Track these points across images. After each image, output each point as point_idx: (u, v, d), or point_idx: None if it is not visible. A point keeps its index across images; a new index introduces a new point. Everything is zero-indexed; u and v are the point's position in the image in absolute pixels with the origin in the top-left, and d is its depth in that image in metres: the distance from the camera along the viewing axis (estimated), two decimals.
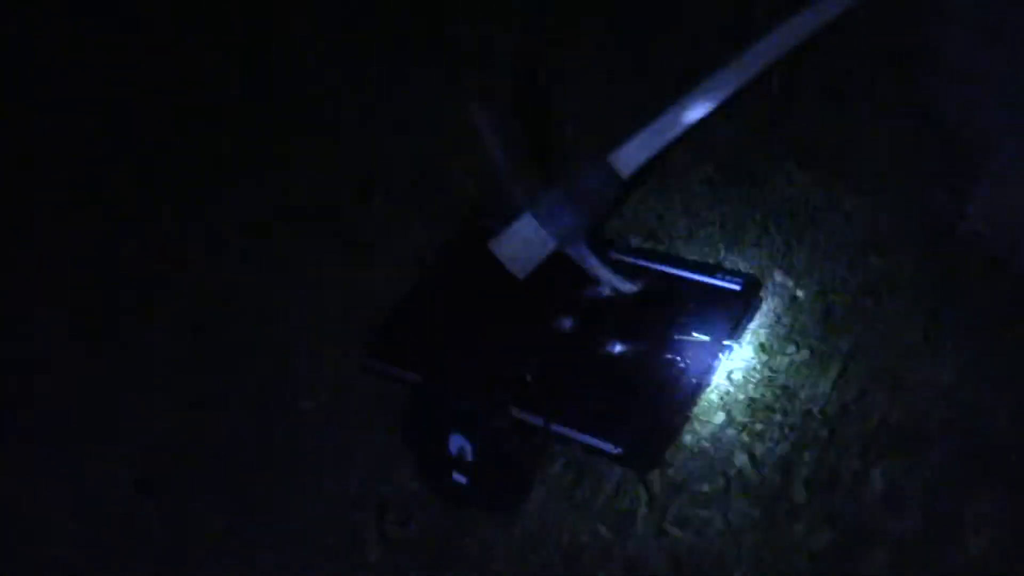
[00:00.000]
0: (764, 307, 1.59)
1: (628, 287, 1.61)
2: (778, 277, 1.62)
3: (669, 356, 1.53)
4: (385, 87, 2.27)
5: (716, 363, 1.53)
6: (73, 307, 2.01)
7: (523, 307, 1.65)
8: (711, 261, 1.67)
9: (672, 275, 1.65)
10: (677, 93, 1.59)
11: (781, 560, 1.34)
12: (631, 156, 1.58)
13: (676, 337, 1.55)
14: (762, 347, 1.55)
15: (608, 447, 1.45)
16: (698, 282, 1.63)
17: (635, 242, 1.74)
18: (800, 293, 1.59)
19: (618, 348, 1.57)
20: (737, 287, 1.59)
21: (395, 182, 2.04)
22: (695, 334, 1.56)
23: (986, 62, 1.89)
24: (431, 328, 1.73)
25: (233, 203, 2.11)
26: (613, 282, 1.62)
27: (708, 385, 1.52)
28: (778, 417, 1.47)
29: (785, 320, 1.57)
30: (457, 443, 1.51)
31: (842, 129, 1.78)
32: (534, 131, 1.93)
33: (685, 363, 1.52)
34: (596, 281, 1.63)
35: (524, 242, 1.59)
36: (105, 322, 1.96)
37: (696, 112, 1.55)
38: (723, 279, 1.61)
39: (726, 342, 1.54)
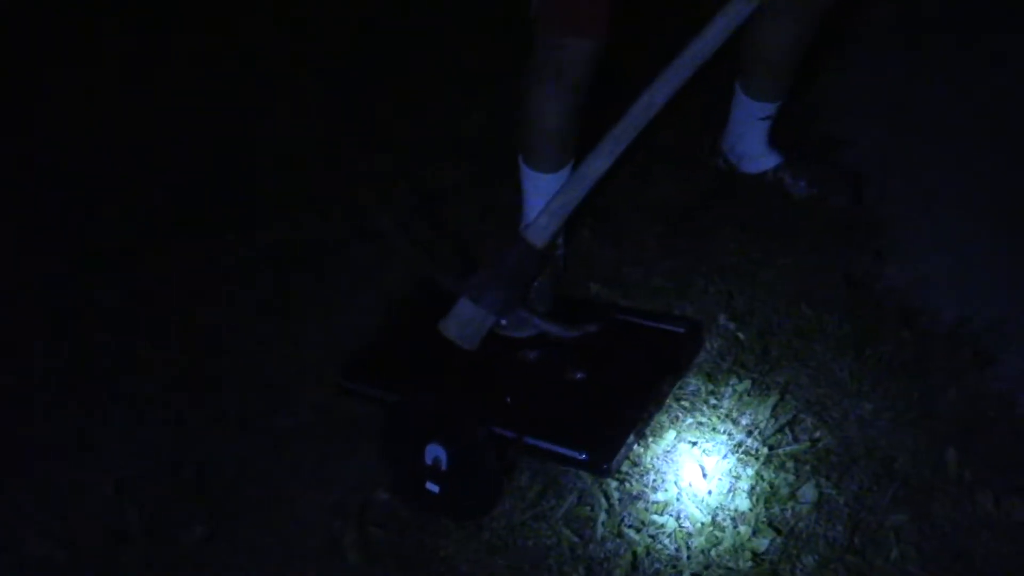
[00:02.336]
0: (709, 345, 1.79)
1: (574, 333, 1.76)
2: (722, 320, 1.82)
3: (624, 382, 1.71)
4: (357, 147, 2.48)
5: (665, 388, 1.71)
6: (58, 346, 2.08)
7: (491, 343, 1.80)
8: (661, 309, 1.88)
9: (628, 320, 1.84)
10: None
11: (727, 559, 1.51)
12: (543, 228, 1.69)
13: (631, 368, 1.74)
14: (708, 378, 1.74)
15: (576, 455, 1.61)
16: (648, 326, 1.82)
17: (595, 288, 1.93)
18: (741, 335, 1.80)
19: (579, 376, 1.75)
20: (681, 330, 1.79)
21: (369, 235, 2.21)
22: (644, 367, 1.74)
23: (897, 154, 2.19)
24: (407, 356, 1.87)
25: (215, 250, 2.26)
26: (558, 332, 1.77)
27: (659, 404, 1.70)
28: (723, 437, 1.66)
29: (728, 357, 1.77)
30: (433, 453, 1.64)
31: (778, 199, 2.03)
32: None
33: (637, 388, 1.70)
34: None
35: (467, 321, 1.71)
36: (95, 356, 2.04)
37: (592, 177, 1.66)
38: (670, 324, 1.81)
39: (671, 374, 1.73)
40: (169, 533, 1.71)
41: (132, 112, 2.79)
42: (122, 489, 1.77)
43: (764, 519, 1.54)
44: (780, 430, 1.65)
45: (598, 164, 1.64)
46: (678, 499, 1.59)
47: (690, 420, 1.69)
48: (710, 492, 1.59)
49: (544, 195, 1.79)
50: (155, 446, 1.83)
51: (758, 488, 1.58)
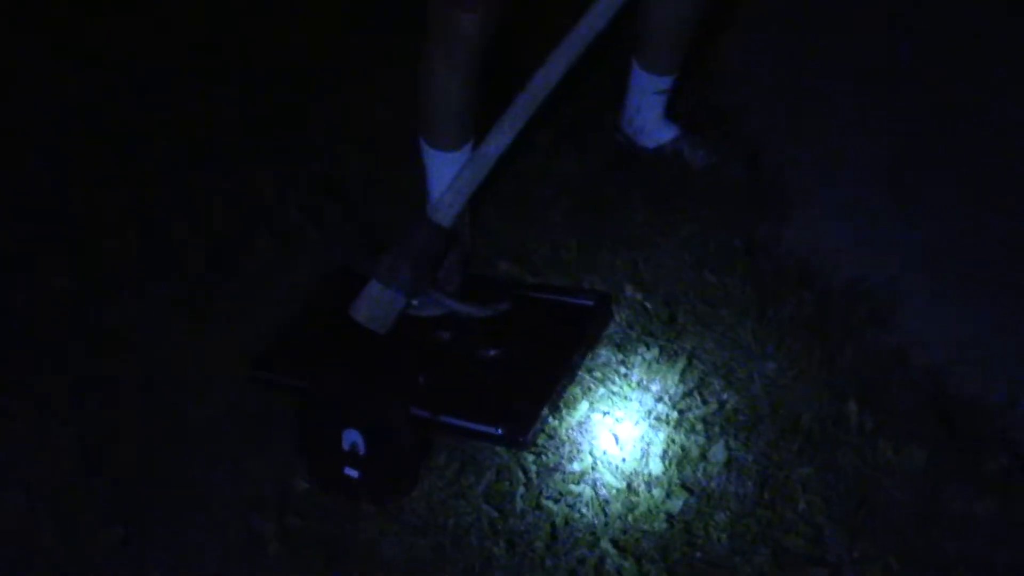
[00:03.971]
0: (617, 316, 1.82)
1: (485, 312, 1.76)
2: (628, 291, 1.86)
3: (536, 357, 1.74)
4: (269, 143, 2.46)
5: (576, 360, 1.74)
6: None
7: (403, 326, 1.80)
8: (569, 284, 1.91)
9: (537, 297, 1.87)
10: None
11: (644, 522, 1.54)
12: (448, 207, 1.69)
13: (543, 342, 1.76)
14: (618, 348, 1.78)
15: (491, 430, 1.62)
16: (558, 301, 1.85)
17: (504, 265, 1.95)
18: (648, 304, 1.84)
19: (491, 353, 1.76)
20: (590, 303, 1.82)
21: (277, 225, 2.19)
22: (555, 341, 1.77)
23: (792, 122, 2.25)
24: (318, 343, 1.87)
25: (117, 248, 2.21)
26: (469, 311, 1.76)
27: (571, 376, 1.73)
28: (634, 404, 1.69)
29: (636, 326, 1.81)
30: (351, 438, 1.64)
31: (678, 170, 2.07)
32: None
33: (549, 362, 1.72)
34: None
35: (376, 303, 1.70)
36: None
37: (494, 154, 1.66)
38: (578, 297, 1.84)
39: (582, 346, 1.76)
40: (84, 538, 1.68)
41: (27, 106, 2.72)
42: (33, 496, 1.73)
43: (677, 481, 1.58)
44: (689, 394, 1.69)
45: (500, 140, 1.65)
46: (594, 468, 1.62)
47: (602, 390, 1.72)
48: (624, 459, 1.62)
49: (447, 174, 1.79)
50: (65, 450, 1.79)
51: (670, 452, 1.62)
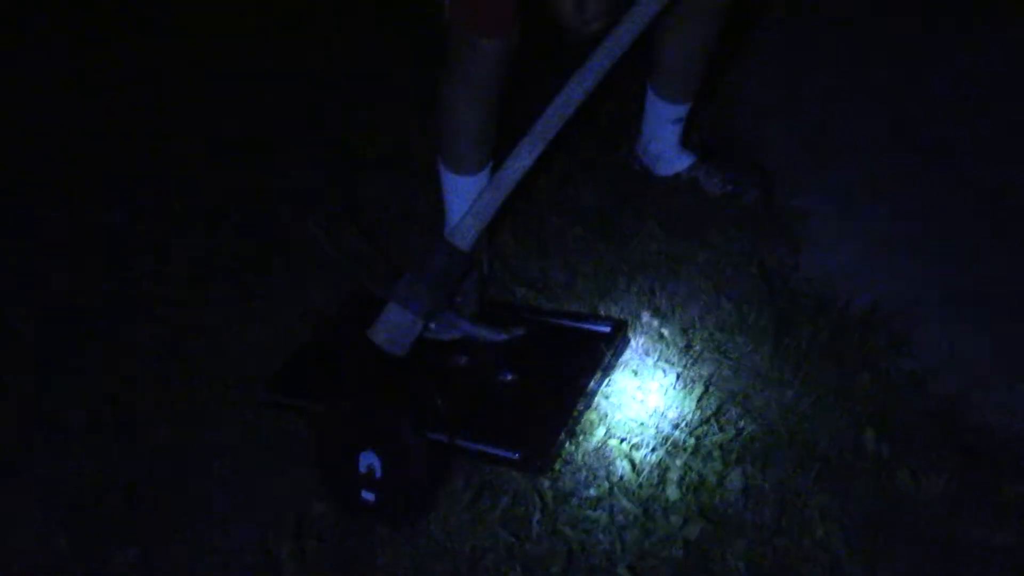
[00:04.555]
0: (634, 342, 1.83)
1: (501, 336, 1.80)
2: (645, 317, 1.86)
3: (553, 382, 1.74)
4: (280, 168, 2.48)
5: (593, 386, 1.75)
6: None
7: (420, 349, 1.81)
8: (586, 311, 1.92)
9: (554, 323, 1.88)
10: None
11: (660, 549, 1.54)
12: (467, 231, 1.72)
13: (559, 367, 1.77)
14: (635, 374, 1.78)
15: (508, 454, 1.63)
16: (575, 326, 1.86)
17: (521, 291, 1.96)
18: (665, 331, 1.84)
19: (509, 377, 1.77)
20: (607, 329, 1.82)
21: (292, 247, 2.21)
22: (572, 366, 1.77)
23: (804, 150, 2.26)
24: (333, 366, 1.88)
25: (130, 270, 2.23)
26: (486, 336, 1.80)
27: (588, 402, 1.73)
28: (651, 431, 1.69)
29: (653, 353, 1.81)
30: (367, 461, 1.64)
31: (694, 198, 2.08)
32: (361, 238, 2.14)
33: (566, 388, 1.73)
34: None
35: (395, 327, 1.73)
36: (14, 382, 2.01)
37: (513, 178, 1.69)
38: (595, 324, 1.85)
39: (599, 371, 1.76)
40: (100, 558, 1.68)
41: (35, 128, 2.75)
42: (50, 517, 1.74)
43: (694, 508, 1.58)
44: (706, 421, 1.69)
45: (519, 165, 1.67)
46: (610, 493, 1.62)
47: (619, 416, 1.72)
48: (641, 485, 1.62)
49: (466, 198, 1.81)
50: (81, 472, 1.80)
51: (687, 478, 1.61)
